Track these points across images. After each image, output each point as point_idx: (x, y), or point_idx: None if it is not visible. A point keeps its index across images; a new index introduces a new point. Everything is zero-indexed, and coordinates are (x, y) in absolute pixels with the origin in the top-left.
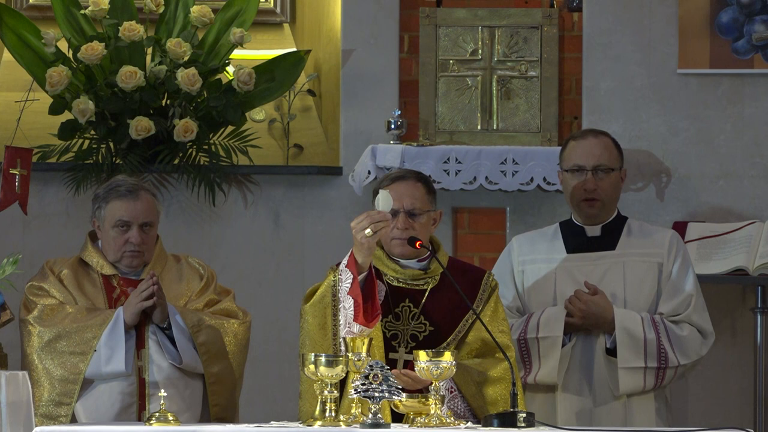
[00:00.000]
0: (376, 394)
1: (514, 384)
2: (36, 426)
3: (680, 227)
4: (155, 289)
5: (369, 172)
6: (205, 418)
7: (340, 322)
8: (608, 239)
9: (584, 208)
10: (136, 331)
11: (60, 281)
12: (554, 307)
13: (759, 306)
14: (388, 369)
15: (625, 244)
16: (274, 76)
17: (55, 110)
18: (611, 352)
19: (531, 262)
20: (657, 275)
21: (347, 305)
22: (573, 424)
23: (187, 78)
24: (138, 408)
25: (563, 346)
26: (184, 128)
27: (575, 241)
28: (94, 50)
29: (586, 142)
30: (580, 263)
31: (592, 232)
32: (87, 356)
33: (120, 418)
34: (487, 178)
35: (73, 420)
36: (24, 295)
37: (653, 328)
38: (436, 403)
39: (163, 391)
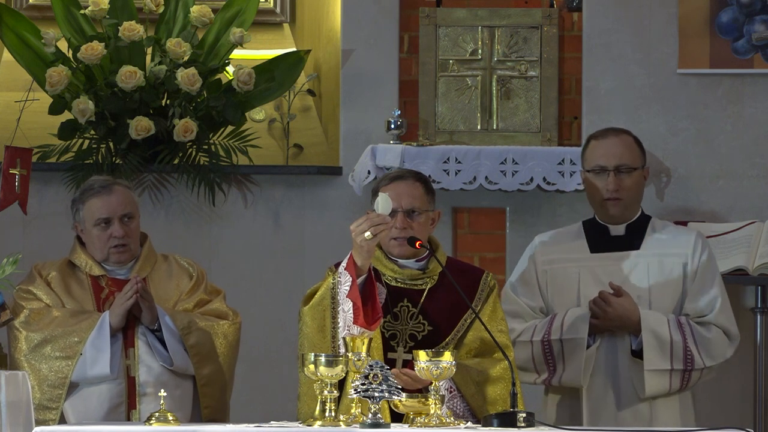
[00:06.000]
0: (376, 394)
1: (513, 384)
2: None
3: None
4: (139, 287)
5: (369, 172)
6: (195, 419)
7: (339, 325)
8: (632, 239)
9: (607, 208)
10: (124, 333)
11: (47, 284)
12: (578, 308)
13: (759, 306)
14: (387, 369)
15: (650, 243)
16: (274, 76)
17: (55, 110)
18: (636, 353)
19: (554, 262)
20: (682, 275)
21: (346, 308)
22: (598, 426)
23: (187, 78)
24: (127, 408)
25: (588, 347)
26: (184, 128)
27: (599, 240)
28: (94, 50)
29: (608, 141)
30: (604, 263)
31: (616, 232)
32: (73, 360)
33: (109, 418)
34: (486, 178)
35: (62, 421)
36: (12, 299)
37: (679, 330)
38: (435, 403)
39: (163, 390)
